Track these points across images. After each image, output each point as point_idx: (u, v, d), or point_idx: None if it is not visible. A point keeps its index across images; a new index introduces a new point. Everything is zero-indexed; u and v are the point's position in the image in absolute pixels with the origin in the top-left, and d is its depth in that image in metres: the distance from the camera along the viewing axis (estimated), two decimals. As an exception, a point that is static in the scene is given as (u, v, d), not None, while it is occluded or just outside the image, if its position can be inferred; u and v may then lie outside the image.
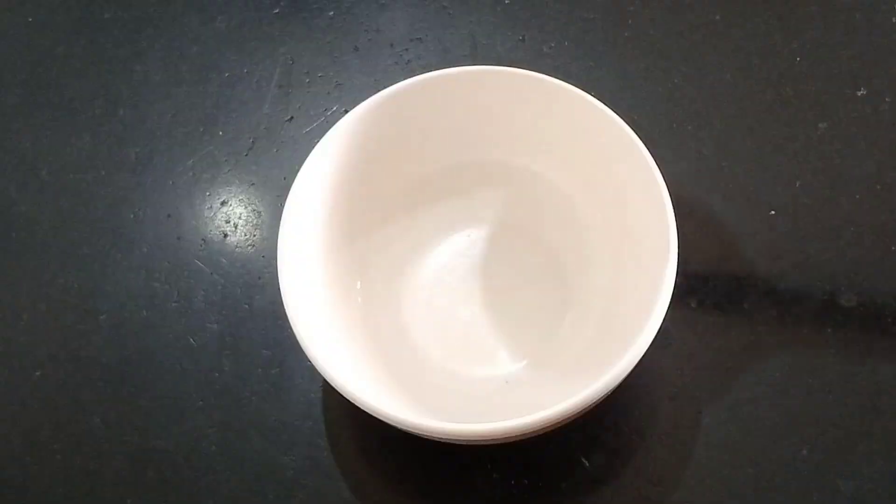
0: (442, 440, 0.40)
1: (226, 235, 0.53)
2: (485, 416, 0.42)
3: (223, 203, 0.54)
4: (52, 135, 0.58)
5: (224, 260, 0.52)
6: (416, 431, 0.39)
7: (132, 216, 0.54)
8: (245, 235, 0.53)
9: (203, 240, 0.53)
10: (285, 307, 0.41)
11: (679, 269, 0.39)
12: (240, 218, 0.54)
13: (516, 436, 0.38)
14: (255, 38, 0.60)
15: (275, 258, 0.42)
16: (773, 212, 0.49)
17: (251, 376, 0.48)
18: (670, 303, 0.38)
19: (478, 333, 0.46)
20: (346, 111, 0.45)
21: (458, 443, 0.41)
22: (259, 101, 0.58)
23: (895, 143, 0.51)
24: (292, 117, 0.57)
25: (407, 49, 0.58)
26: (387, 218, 0.48)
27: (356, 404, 0.38)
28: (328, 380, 0.39)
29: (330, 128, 0.45)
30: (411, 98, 0.45)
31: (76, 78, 0.60)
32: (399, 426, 0.39)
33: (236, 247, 0.52)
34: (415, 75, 0.44)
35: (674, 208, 0.41)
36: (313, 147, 0.44)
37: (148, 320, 0.50)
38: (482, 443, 0.41)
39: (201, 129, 0.57)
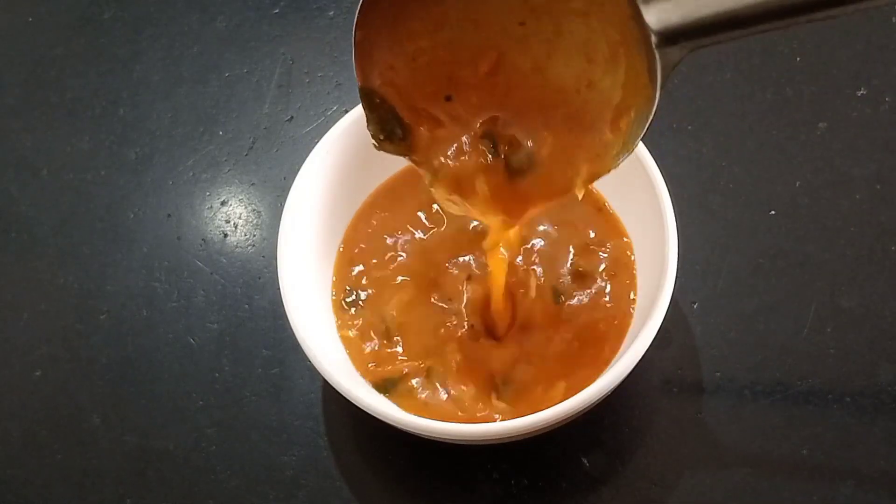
0: (442, 440, 0.40)
1: (226, 235, 0.53)
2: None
3: (223, 203, 0.54)
4: (52, 135, 0.58)
5: (224, 260, 0.52)
6: (416, 431, 0.39)
7: (132, 216, 0.54)
8: (245, 235, 0.53)
9: (203, 240, 0.53)
10: (285, 307, 0.41)
11: (679, 269, 0.39)
12: (240, 218, 0.54)
13: (516, 436, 0.38)
14: (255, 38, 0.60)
15: (275, 258, 0.42)
16: (773, 212, 0.49)
17: (251, 376, 0.48)
18: (670, 303, 0.38)
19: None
20: (346, 111, 0.45)
21: (458, 443, 0.41)
22: (259, 101, 0.58)
23: (895, 143, 0.51)
24: (292, 117, 0.57)
25: (407, 49, 0.58)
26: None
27: (356, 404, 0.38)
28: (328, 380, 0.39)
29: (330, 128, 0.45)
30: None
31: (76, 78, 0.60)
32: (399, 426, 0.39)
33: (236, 247, 0.52)
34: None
35: (674, 208, 0.41)
36: (313, 147, 0.44)
37: (148, 320, 0.50)
38: (482, 443, 0.41)
39: (201, 129, 0.57)
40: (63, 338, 0.51)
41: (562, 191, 0.38)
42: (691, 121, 0.53)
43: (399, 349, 0.43)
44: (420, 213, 0.47)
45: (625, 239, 0.45)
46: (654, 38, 0.34)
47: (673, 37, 0.34)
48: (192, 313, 0.50)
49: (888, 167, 0.50)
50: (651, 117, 0.35)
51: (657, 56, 0.34)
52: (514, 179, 0.39)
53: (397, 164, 0.48)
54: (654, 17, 0.34)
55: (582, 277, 0.44)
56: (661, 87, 0.35)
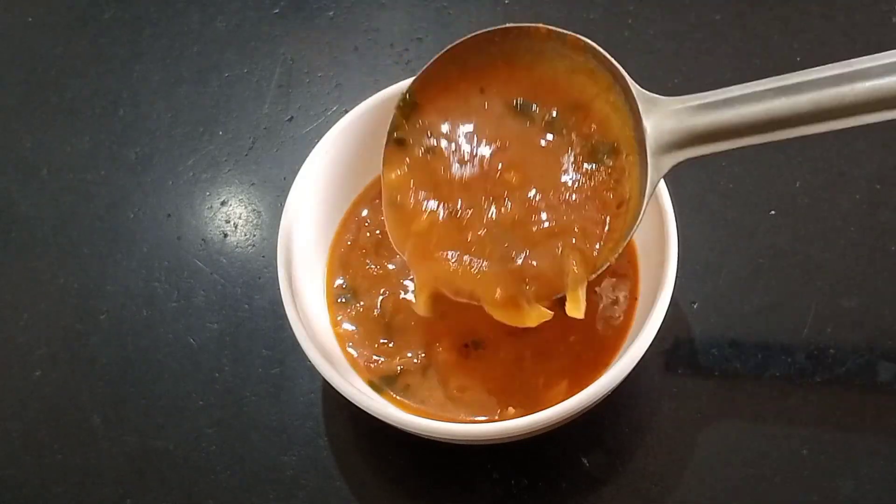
0: (442, 440, 0.40)
1: (226, 235, 0.53)
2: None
3: (223, 203, 0.54)
4: (52, 135, 0.58)
5: (224, 260, 0.52)
6: (416, 431, 0.39)
7: (132, 216, 0.54)
8: (245, 235, 0.53)
9: (203, 240, 0.53)
10: (285, 307, 0.41)
11: (679, 269, 0.39)
12: (240, 218, 0.54)
13: (516, 436, 0.38)
14: (255, 38, 0.60)
15: (275, 258, 0.42)
16: (773, 212, 0.49)
17: (251, 376, 0.48)
18: (670, 303, 0.38)
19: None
20: (346, 111, 0.45)
21: (458, 443, 0.41)
22: (259, 101, 0.58)
23: (895, 144, 0.51)
24: (292, 117, 0.57)
25: (407, 49, 0.58)
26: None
27: (356, 404, 0.39)
28: (328, 380, 0.39)
29: (330, 128, 0.45)
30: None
31: (76, 78, 0.60)
32: (398, 426, 0.39)
33: (236, 247, 0.52)
34: (415, 75, 0.44)
35: (674, 208, 0.41)
36: (313, 147, 0.44)
37: (148, 320, 0.50)
38: (482, 443, 0.41)
39: (201, 129, 0.57)
40: (63, 338, 0.51)
41: (552, 291, 0.39)
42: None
43: (397, 347, 0.43)
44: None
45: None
46: (649, 147, 0.37)
47: (666, 147, 0.37)
48: (192, 313, 0.50)
49: (888, 167, 0.50)
50: (636, 228, 0.37)
51: (649, 164, 0.37)
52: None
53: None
54: (653, 126, 0.37)
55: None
56: (648, 200, 0.37)
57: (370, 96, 0.45)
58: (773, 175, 0.50)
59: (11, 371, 0.50)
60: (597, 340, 0.42)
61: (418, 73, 0.41)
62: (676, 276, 0.39)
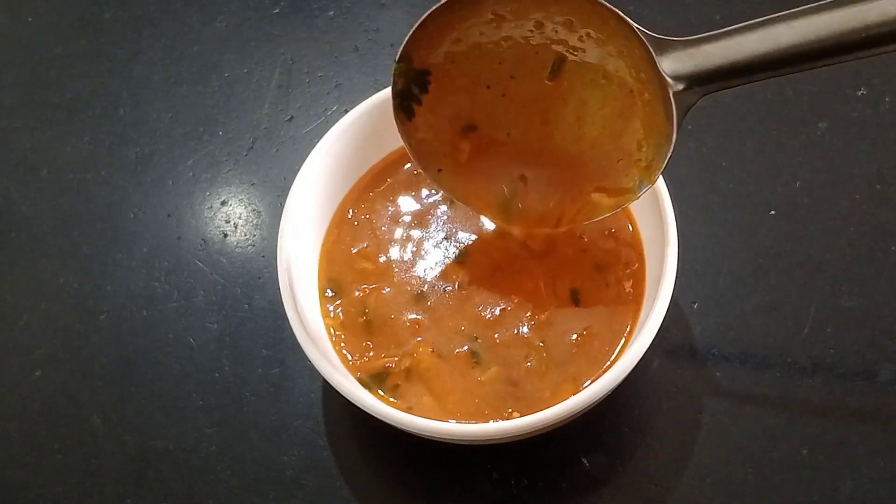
0: (442, 440, 0.40)
1: (226, 235, 0.53)
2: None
3: (223, 203, 0.54)
4: (52, 135, 0.58)
5: (224, 260, 0.52)
6: (416, 431, 0.39)
7: (132, 216, 0.54)
8: (245, 235, 0.53)
9: (203, 240, 0.53)
10: (285, 307, 0.41)
11: (679, 269, 0.39)
12: (240, 218, 0.54)
13: (516, 436, 0.38)
14: (255, 38, 0.60)
15: (275, 258, 0.42)
16: (773, 212, 0.49)
17: (251, 376, 0.48)
18: (670, 303, 0.38)
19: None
20: (346, 111, 0.45)
21: (458, 443, 0.41)
22: (259, 101, 0.58)
23: (895, 143, 0.51)
24: (292, 117, 0.57)
25: (407, 49, 0.58)
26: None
27: (356, 404, 0.39)
28: (328, 380, 0.39)
29: (330, 128, 0.45)
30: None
31: (76, 78, 0.60)
32: (399, 426, 0.39)
33: (236, 247, 0.53)
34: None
35: (674, 208, 0.41)
36: (313, 147, 0.44)
37: (148, 320, 0.50)
38: (482, 443, 0.41)
39: (201, 129, 0.57)
40: (63, 338, 0.51)
41: (584, 218, 0.42)
42: (691, 121, 0.52)
43: (377, 348, 0.43)
44: (407, 208, 0.47)
45: (630, 228, 0.44)
46: (669, 84, 0.37)
47: (687, 83, 0.37)
48: (192, 313, 0.50)
49: (888, 167, 0.50)
50: (670, 152, 0.38)
51: (672, 100, 0.37)
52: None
53: (396, 162, 0.48)
54: (669, 66, 0.37)
55: (598, 273, 0.44)
56: (678, 127, 0.37)
57: (370, 96, 0.45)
58: (773, 175, 0.50)
59: (11, 371, 0.50)
60: (598, 340, 0.42)
61: (410, 32, 0.40)
62: (676, 276, 0.39)
